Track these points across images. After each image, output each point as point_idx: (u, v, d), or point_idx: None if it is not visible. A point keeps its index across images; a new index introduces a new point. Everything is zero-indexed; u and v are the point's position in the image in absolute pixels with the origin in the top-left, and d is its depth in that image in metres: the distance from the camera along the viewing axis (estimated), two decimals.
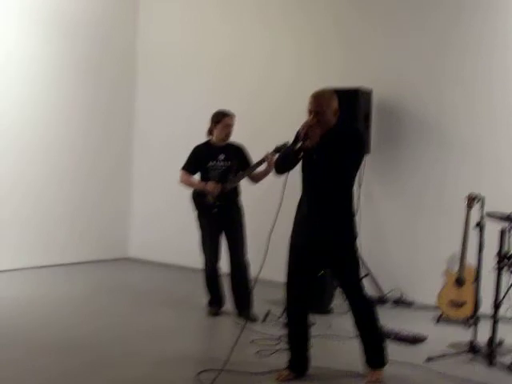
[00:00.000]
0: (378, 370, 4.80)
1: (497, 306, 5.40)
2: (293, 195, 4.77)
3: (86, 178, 9.21)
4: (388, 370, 4.88)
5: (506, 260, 5.39)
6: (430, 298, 6.91)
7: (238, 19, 8.84)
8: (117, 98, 9.55)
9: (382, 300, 7.34)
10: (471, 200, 6.48)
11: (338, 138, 4.61)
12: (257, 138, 7.36)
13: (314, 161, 4.61)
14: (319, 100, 4.63)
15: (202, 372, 4.73)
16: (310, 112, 4.62)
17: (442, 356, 5.43)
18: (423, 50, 7.47)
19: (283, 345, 5.28)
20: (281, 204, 4.65)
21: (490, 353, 5.35)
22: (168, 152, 9.01)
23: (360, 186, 7.36)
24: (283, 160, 4.80)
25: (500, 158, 7.01)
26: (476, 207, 6.16)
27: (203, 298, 6.67)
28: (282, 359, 4.94)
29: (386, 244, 7.64)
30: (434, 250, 7.22)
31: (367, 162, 7.34)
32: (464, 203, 6.51)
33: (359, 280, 4.81)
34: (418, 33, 7.50)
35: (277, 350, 5.34)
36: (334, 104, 4.67)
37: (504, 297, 5.45)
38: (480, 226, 5.57)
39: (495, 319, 5.39)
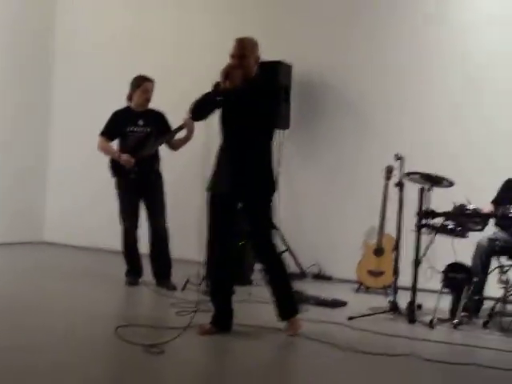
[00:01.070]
0: (292, 319, 4.76)
1: (417, 263, 5.43)
2: None
3: None
4: (310, 327, 4.84)
5: (425, 217, 5.43)
6: (349, 273, 6.92)
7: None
8: (33, 70, 9.16)
9: (301, 275, 7.30)
10: (389, 172, 6.56)
11: (258, 88, 4.62)
12: (177, 108, 7.21)
13: (234, 105, 4.55)
14: (243, 44, 4.63)
15: (120, 327, 4.54)
16: (233, 56, 4.60)
17: (364, 315, 5.43)
18: (340, 28, 7.61)
19: (204, 307, 5.14)
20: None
21: (410, 311, 5.38)
22: (85, 124, 8.56)
23: (279, 162, 7.37)
24: (200, 103, 4.64)
25: (412, 133, 7.13)
26: (393, 179, 6.27)
27: (121, 273, 6.45)
28: (202, 319, 4.79)
29: (304, 219, 7.64)
30: (352, 223, 7.26)
31: (286, 135, 7.41)
32: (381, 175, 6.59)
33: (269, 230, 4.80)
34: (340, 13, 7.64)
35: (197, 310, 5.17)
36: (257, 52, 4.68)
37: (424, 255, 5.48)
38: (400, 184, 5.64)
39: (415, 277, 5.43)
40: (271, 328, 4.84)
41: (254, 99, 4.55)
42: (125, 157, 6.18)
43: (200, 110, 4.67)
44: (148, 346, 4.12)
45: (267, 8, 7.99)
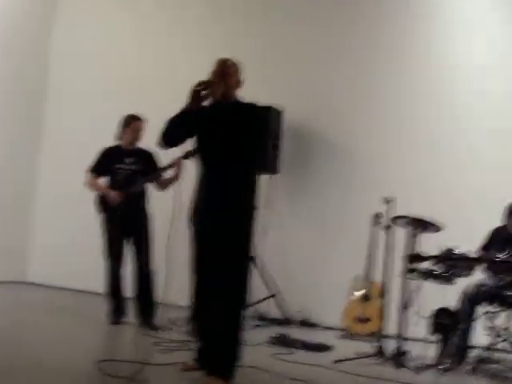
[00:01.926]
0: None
1: (405, 307, 5.38)
2: None
3: None
4: (295, 370, 4.76)
5: (412, 262, 5.40)
6: (336, 319, 6.85)
7: (156, 37, 8.70)
8: (21, 106, 9.05)
9: (286, 321, 7.20)
10: (377, 218, 6.55)
11: (240, 107, 4.36)
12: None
13: (213, 121, 4.28)
14: (227, 63, 4.41)
15: (102, 361, 4.45)
16: (214, 72, 4.36)
17: (349, 359, 5.35)
18: (334, 75, 7.66)
19: (188, 346, 5.06)
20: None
21: (397, 356, 5.30)
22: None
23: (268, 207, 7.35)
24: (172, 124, 4.26)
25: (396, 179, 7.10)
26: (380, 225, 6.26)
27: (104, 314, 6.31)
28: (186, 356, 4.71)
29: (291, 264, 7.56)
30: (339, 269, 7.16)
31: (276, 180, 7.40)
32: (368, 221, 6.58)
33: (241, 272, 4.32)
34: (330, 58, 7.71)
35: (181, 349, 5.11)
36: (240, 75, 4.44)
37: (411, 300, 5.42)
38: (388, 228, 5.62)
39: (402, 323, 5.37)
40: (259, 368, 4.75)
41: (237, 118, 4.28)
42: (112, 194, 6.16)
43: (173, 130, 4.29)
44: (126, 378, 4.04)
45: (262, 54, 7.95)
